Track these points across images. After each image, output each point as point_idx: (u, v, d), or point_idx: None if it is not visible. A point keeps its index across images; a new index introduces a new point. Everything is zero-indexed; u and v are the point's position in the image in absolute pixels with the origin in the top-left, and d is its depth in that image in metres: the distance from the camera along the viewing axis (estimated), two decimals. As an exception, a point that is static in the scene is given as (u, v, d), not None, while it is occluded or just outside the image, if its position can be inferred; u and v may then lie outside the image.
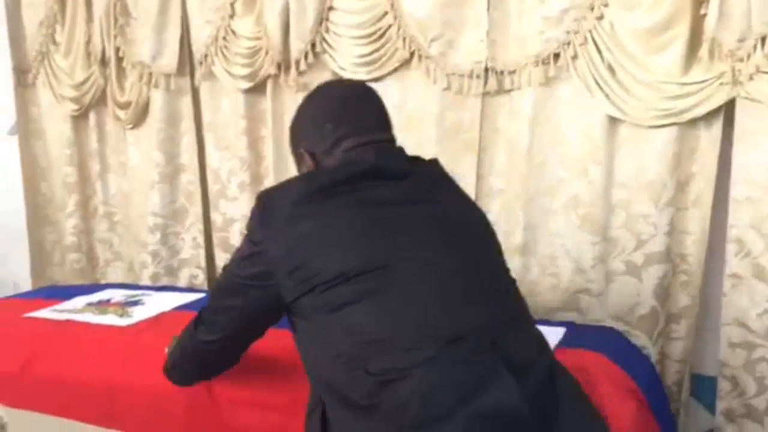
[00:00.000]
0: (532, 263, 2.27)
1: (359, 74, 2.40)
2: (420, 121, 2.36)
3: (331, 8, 2.42)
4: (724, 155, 2.01)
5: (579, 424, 1.27)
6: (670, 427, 1.90)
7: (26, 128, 3.16)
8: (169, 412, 1.73)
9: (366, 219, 1.31)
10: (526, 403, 1.18)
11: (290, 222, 1.31)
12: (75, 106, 2.98)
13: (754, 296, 1.99)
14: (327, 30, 2.44)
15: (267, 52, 2.53)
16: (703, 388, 2.19)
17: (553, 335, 1.91)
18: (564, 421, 1.23)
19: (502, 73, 2.22)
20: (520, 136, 2.22)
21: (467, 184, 2.31)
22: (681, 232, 2.10)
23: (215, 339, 1.47)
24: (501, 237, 2.26)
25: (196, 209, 2.84)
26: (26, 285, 3.18)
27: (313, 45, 2.46)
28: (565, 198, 2.20)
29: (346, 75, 2.41)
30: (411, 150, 2.10)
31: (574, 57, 2.10)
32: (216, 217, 2.78)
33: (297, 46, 2.47)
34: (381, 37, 2.36)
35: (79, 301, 2.27)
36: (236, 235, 2.71)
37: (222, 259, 2.76)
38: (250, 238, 1.37)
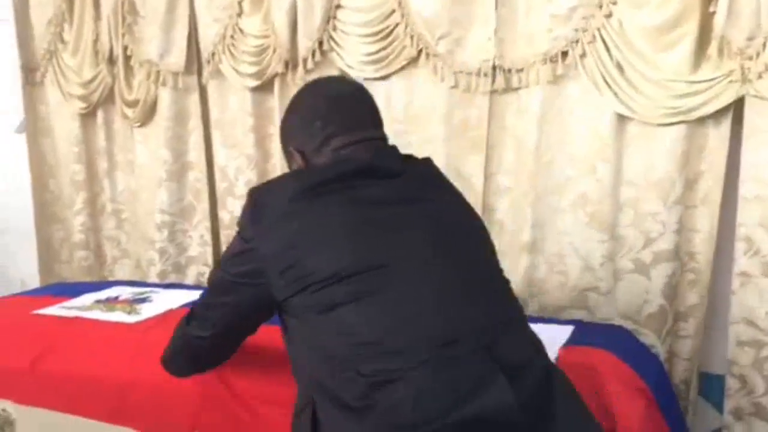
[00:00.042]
0: (540, 261, 2.27)
1: (366, 72, 2.40)
2: (427, 120, 2.36)
3: (338, 6, 2.42)
4: (733, 153, 2.00)
5: (573, 425, 1.27)
6: (679, 426, 1.89)
7: (34, 126, 3.17)
8: (178, 409, 1.74)
9: (359, 218, 1.31)
10: (520, 406, 1.18)
11: (282, 219, 1.30)
12: (83, 104, 2.99)
13: (763, 294, 1.98)
14: (334, 28, 2.44)
15: (274, 50, 2.53)
16: (711, 387, 2.19)
17: (561, 333, 1.91)
18: (558, 422, 1.23)
19: (510, 71, 2.22)
20: (528, 134, 2.22)
21: (475, 183, 2.32)
22: (689, 231, 2.09)
23: (206, 335, 1.47)
24: (509, 235, 2.31)
25: (204, 207, 2.85)
26: (34, 282, 3.19)
27: (321, 43, 2.46)
28: (573, 196, 2.20)
29: (354, 73, 2.41)
30: (418, 148, 2.11)
31: (583, 55, 2.10)
32: (223, 215, 2.79)
33: (304, 44, 2.47)
34: (388, 35, 2.36)
35: (88, 299, 2.28)
36: (243, 233, 2.70)
37: (229, 256, 2.76)
38: (241, 235, 1.36)
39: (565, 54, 2.13)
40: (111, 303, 2.23)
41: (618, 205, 2.14)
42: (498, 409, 1.17)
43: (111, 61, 2.89)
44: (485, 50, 2.22)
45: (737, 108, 1.97)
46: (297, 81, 2.49)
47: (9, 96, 3.20)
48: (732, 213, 2.02)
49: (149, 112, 2.86)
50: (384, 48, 2.36)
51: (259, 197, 1.36)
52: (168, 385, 1.71)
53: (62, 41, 3.02)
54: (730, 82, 1.92)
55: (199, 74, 2.77)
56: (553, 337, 1.85)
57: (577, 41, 2.10)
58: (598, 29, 2.06)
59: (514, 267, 2.28)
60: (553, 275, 2.26)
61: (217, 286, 1.45)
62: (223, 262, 1.43)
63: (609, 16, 2.05)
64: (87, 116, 3.04)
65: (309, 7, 2.43)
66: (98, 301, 2.25)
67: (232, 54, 2.63)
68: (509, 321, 1.33)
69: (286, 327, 1.35)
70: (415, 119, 2.38)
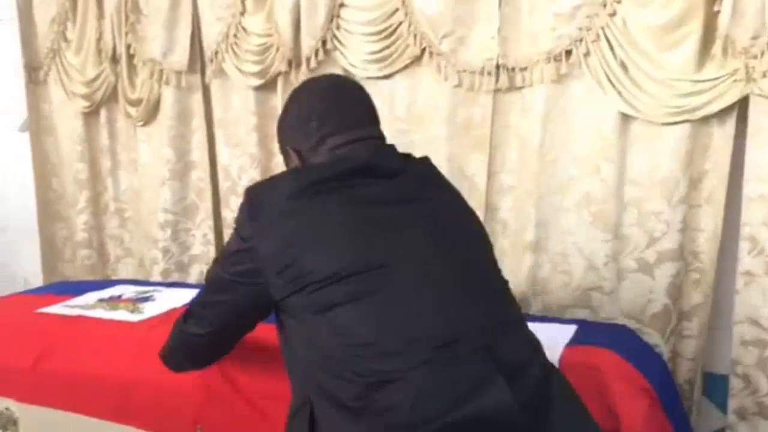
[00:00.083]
0: (543, 261, 2.26)
1: (370, 71, 2.40)
2: (431, 118, 2.36)
3: (341, 5, 2.42)
4: (737, 152, 2.00)
5: (572, 426, 1.27)
6: (683, 426, 1.89)
7: (38, 125, 3.17)
8: (181, 407, 1.74)
9: (358, 217, 1.30)
10: (519, 406, 1.17)
11: (280, 218, 1.29)
12: (86, 103, 2.99)
13: (767, 294, 1.98)
14: (338, 27, 2.43)
15: (278, 49, 2.53)
16: (715, 387, 2.18)
17: (564, 333, 1.91)
18: (556, 423, 1.23)
19: (513, 69, 2.22)
20: (532, 133, 2.22)
21: (478, 182, 2.31)
22: (693, 230, 2.08)
23: (203, 333, 1.46)
24: (512, 235, 2.31)
25: (207, 206, 2.85)
26: (37, 280, 3.19)
27: (324, 42, 2.46)
28: (577, 195, 2.19)
29: (357, 72, 2.41)
30: (421, 147, 2.11)
31: (587, 54, 2.09)
32: (226, 214, 2.78)
33: (308, 43, 2.47)
34: (392, 34, 2.35)
35: (91, 297, 2.28)
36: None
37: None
38: (238, 233, 1.36)
39: (568, 53, 2.12)
40: (114, 302, 2.23)
41: (622, 205, 2.14)
42: (497, 409, 1.17)
43: (114, 59, 2.89)
44: (489, 49, 2.22)
45: (741, 107, 1.97)
46: (300, 80, 2.48)
47: (12, 95, 3.20)
48: (736, 212, 2.01)
49: (152, 111, 2.85)
50: (387, 47, 2.36)
51: (257, 196, 1.35)
52: (171, 384, 1.72)
53: (65, 40, 3.02)
54: (735, 81, 1.91)
55: (202, 73, 2.76)
56: (556, 337, 1.85)
57: (581, 40, 2.09)
58: (602, 28, 2.06)
59: (517, 266, 2.28)
60: (557, 274, 2.26)
61: (214, 285, 1.44)
62: (220, 261, 1.43)
63: (613, 14, 2.04)
64: (90, 115, 3.04)
65: (312, 6, 2.43)
66: (101, 300, 2.25)
67: (235, 53, 2.63)
68: (508, 321, 1.32)
69: (283, 326, 1.34)
70: (419, 118, 2.38)
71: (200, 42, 2.73)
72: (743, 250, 1.99)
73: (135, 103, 2.87)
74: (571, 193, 2.21)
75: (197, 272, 2.88)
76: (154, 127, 2.88)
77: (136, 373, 1.80)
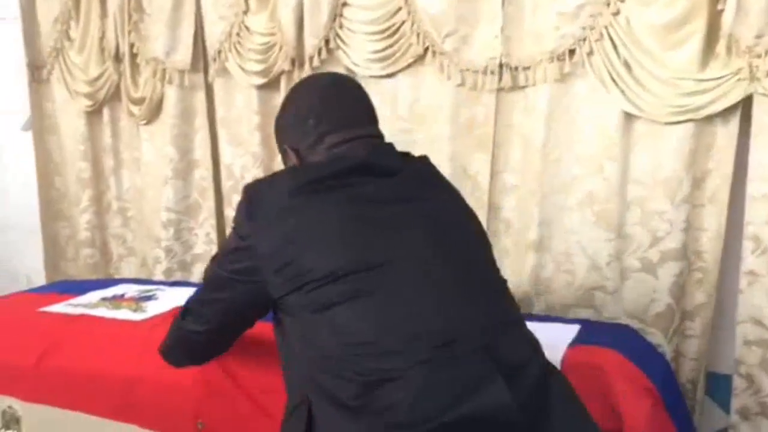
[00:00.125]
0: (546, 260, 2.26)
1: (373, 70, 2.40)
2: (434, 118, 2.36)
3: (344, 4, 2.42)
4: (741, 152, 1.99)
5: (571, 426, 1.27)
6: (686, 425, 1.89)
7: (41, 124, 3.17)
8: (182, 406, 1.74)
9: (357, 216, 1.30)
10: (518, 406, 1.17)
11: (279, 216, 1.29)
12: (89, 102, 2.99)
13: (771, 294, 1.98)
14: (341, 26, 2.43)
15: (281, 48, 2.53)
16: (718, 386, 2.18)
17: (567, 332, 1.91)
18: (556, 423, 1.23)
19: (516, 69, 2.21)
20: (535, 132, 2.21)
21: (481, 181, 2.31)
22: (697, 230, 2.08)
23: (201, 330, 1.46)
24: (515, 234, 2.31)
25: (210, 205, 2.84)
26: (40, 279, 3.19)
27: (327, 41, 2.45)
28: (581, 195, 2.19)
29: (360, 71, 2.41)
30: (424, 147, 2.11)
31: (590, 53, 2.09)
32: (229, 213, 2.78)
33: (311, 42, 2.47)
34: (395, 32, 2.35)
35: (94, 296, 2.28)
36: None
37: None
38: (237, 231, 1.36)
39: (572, 52, 2.12)
40: (117, 301, 2.23)
41: (625, 204, 2.14)
42: (496, 408, 1.17)
43: (117, 58, 2.90)
44: (492, 48, 2.22)
45: (745, 106, 1.96)
46: (303, 79, 2.49)
47: (15, 94, 3.20)
48: (740, 212, 2.01)
49: (155, 110, 2.85)
50: (390, 46, 2.36)
51: (255, 194, 1.35)
52: (173, 382, 1.72)
53: (69, 39, 3.02)
54: (739, 80, 1.91)
55: (206, 72, 2.76)
56: (559, 337, 1.85)
57: (584, 39, 2.09)
58: (606, 27, 2.05)
59: (520, 265, 2.28)
60: (560, 274, 2.25)
61: (212, 282, 1.44)
62: (218, 259, 1.43)
63: (616, 13, 2.04)
64: (93, 114, 3.04)
65: (315, 5, 2.43)
66: (104, 299, 2.25)
67: (238, 52, 2.63)
68: (508, 321, 1.32)
69: (281, 325, 1.34)
70: (422, 117, 2.38)
71: (203, 41, 2.73)
72: (746, 250, 1.99)
73: (138, 101, 2.87)
74: (574, 193, 2.20)
75: (200, 271, 2.88)
76: (157, 126, 2.88)
77: (138, 371, 1.80)
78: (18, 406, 1.92)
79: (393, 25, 2.34)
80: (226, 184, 2.79)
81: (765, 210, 1.96)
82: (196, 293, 1.50)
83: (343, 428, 1.21)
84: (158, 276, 2.90)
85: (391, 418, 1.16)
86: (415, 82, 2.38)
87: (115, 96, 2.96)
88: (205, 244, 2.87)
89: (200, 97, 2.79)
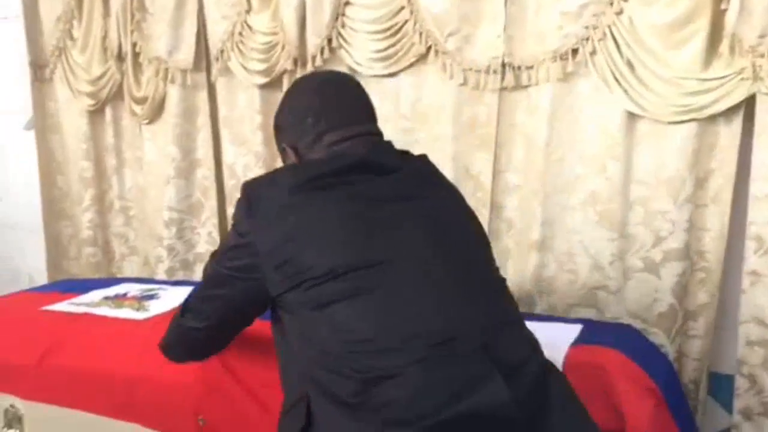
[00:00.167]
0: (549, 260, 2.26)
1: (375, 69, 2.40)
2: (436, 117, 2.35)
3: (347, 3, 2.42)
4: (744, 151, 1.99)
5: (571, 425, 1.27)
6: (688, 425, 1.88)
7: (43, 123, 3.18)
8: (184, 405, 1.74)
9: (357, 214, 1.30)
10: (516, 404, 1.17)
11: (278, 214, 1.29)
12: (91, 101, 3.00)
13: (773, 294, 1.97)
14: (343, 25, 2.43)
15: (283, 48, 2.53)
16: (720, 387, 2.17)
17: (569, 332, 1.91)
18: (555, 422, 1.23)
19: (519, 68, 2.21)
20: (538, 131, 2.21)
21: (483, 180, 2.31)
22: (700, 229, 2.08)
23: (201, 327, 1.47)
24: (518, 233, 2.30)
25: (212, 204, 2.85)
26: (42, 278, 3.20)
27: (330, 40, 2.45)
28: (583, 194, 2.19)
29: (362, 70, 2.41)
30: (426, 146, 2.11)
31: (593, 52, 2.09)
32: (231, 212, 2.77)
33: (313, 42, 2.47)
34: (397, 32, 2.35)
35: (96, 295, 2.28)
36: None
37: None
38: (236, 229, 1.36)
39: (575, 51, 2.11)
40: (119, 300, 2.23)
41: (628, 204, 2.13)
42: (494, 406, 1.17)
43: (120, 58, 2.90)
44: (495, 47, 2.21)
45: (748, 106, 1.96)
46: (306, 78, 2.49)
47: (18, 93, 3.21)
48: (743, 211, 2.00)
49: (158, 109, 2.86)
50: (393, 45, 2.36)
51: (254, 191, 1.35)
52: (175, 381, 1.72)
53: (71, 38, 3.03)
54: (742, 79, 1.90)
55: (208, 71, 2.77)
56: (561, 336, 1.85)
57: (587, 39, 2.09)
58: (609, 27, 2.05)
59: (523, 265, 2.28)
60: (563, 273, 2.25)
61: (211, 279, 1.44)
62: (218, 256, 1.43)
63: (619, 13, 2.04)
64: (95, 113, 3.04)
65: (318, 4, 2.43)
66: (106, 298, 2.25)
67: (240, 51, 2.63)
68: (507, 321, 1.32)
69: (280, 322, 1.34)
70: (424, 116, 2.38)
71: (206, 40, 2.73)
72: (749, 250, 1.98)
73: (140, 101, 2.87)
74: (577, 192, 2.20)
75: (202, 270, 2.88)
76: (159, 125, 2.88)
77: (140, 370, 1.80)
78: (20, 404, 1.93)
79: (395, 24, 2.34)
80: (228, 183, 2.79)
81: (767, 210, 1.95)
82: (196, 290, 1.50)
83: (341, 425, 1.21)
84: (160, 275, 2.90)
85: (389, 415, 1.17)
86: (417, 82, 2.38)
87: (117, 95, 2.96)
88: (207, 244, 2.87)
89: (203, 96, 2.79)
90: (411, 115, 2.39)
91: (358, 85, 1.51)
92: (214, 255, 1.47)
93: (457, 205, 1.46)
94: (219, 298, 1.42)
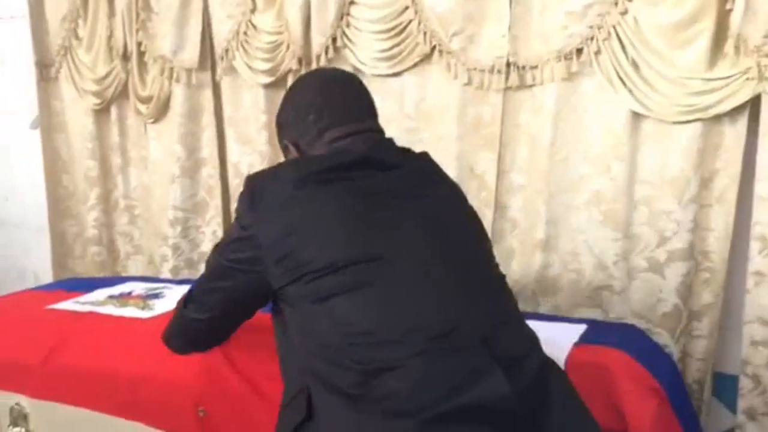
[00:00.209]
0: (553, 259, 2.26)
1: (379, 69, 2.40)
2: (440, 117, 2.35)
3: (352, 2, 2.42)
4: (749, 151, 1.98)
5: (571, 422, 1.27)
6: (692, 426, 1.88)
7: (49, 122, 3.19)
8: (188, 404, 1.74)
9: (358, 210, 1.31)
10: (516, 398, 1.18)
11: (281, 207, 1.31)
12: (97, 100, 3.00)
13: (778, 294, 1.97)
14: (348, 24, 2.43)
15: (288, 47, 2.53)
16: (725, 387, 2.17)
17: (573, 332, 1.90)
18: (555, 420, 1.23)
19: (523, 68, 2.21)
20: (542, 131, 2.21)
21: (488, 180, 2.31)
22: (704, 229, 2.07)
23: (203, 318, 1.49)
24: (522, 233, 2.30)
25: (216, 203, 2.86)
26: (47, 277, 3.21)
27: (334, 39, 2.46)
28: (588, 194, 2.18)
29: (366, 69, 2.41)
30: (431, 146, 2.11)
31: (598, 52, 2.08)
32: (236, 210, 2.79)
33: (318, 41, 2.47)
34: (402, 31, 2.35)
35: (101, 294, 2.29)
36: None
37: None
38: (239, 222, 1.37)
39: (579, 51, 2.11)
40: (124, 298, 2.24)
41: (632, 204, 2.13)
42: (494, 398, 1.18)
43: (125, 57, 2.91)
44: (499, 47, 2.21)
45: (753, 106, 1.95)
46: (310, 78, 2.49)
47: (24, 92, 3.22)
48: (747, 212, 2.00)
49: (162, 109, 2.86)
50: (397, 45, 2.36)
51: (257, 185, 1.36)
52: (180, 380, 1.72)
53: (77, 37, 3.03)
54: (747, 79, 1.90)
55: (213, 71, 2.77)
56: (565, 336, 1.85)
57: (592, 38, 2.08)
58: (614, 26, 2.05)
59: (527, 265, 2.28)
60: (567, 273, 2.25)
61: (214, 271, 1.46)
62: (220, 248, 1.44)
63: (624, 13, 2.03)
64: (101, 112, 3.05)
65: (322, 4, 2.43)
66: (111, 297, 2.26)
67: (245, 50, 2.63)
68: (504, 316, 1.33)
69: (281, 315, 1.35)
70: (428, 116, 2.38)
71: (211, 39, 2.74)
72: (754, 250, 1.98)
73: (145, 100, 2.88)
74: (581, 192, 2.20)
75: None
76: (164, 125, 2.89)
77: (144, 369, 1.80)
78: (25, 402, 1.93)
79: (400, 23, 2.34)
80: (233, 182, 2.79)
81: (773, 210, 1.95)
82: (198, 282, 1.52)
83: (342, 416, 1.22)
84: (165, 274, 2.91)
85: (389, 406, 1.17)
86: (421, 81, 2.38)
87: (122, 94, 2.97)
88: (211, 242, 2.87)
89: (207, 95, 2.80)
90: (415, 115, 2.39)
91: (359, 83, 1.52)
92: (216, 247, 1.48)
93: (458, 203, 1.47)
94: (221, 290, 1.43)
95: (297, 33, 2.48)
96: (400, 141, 1.48)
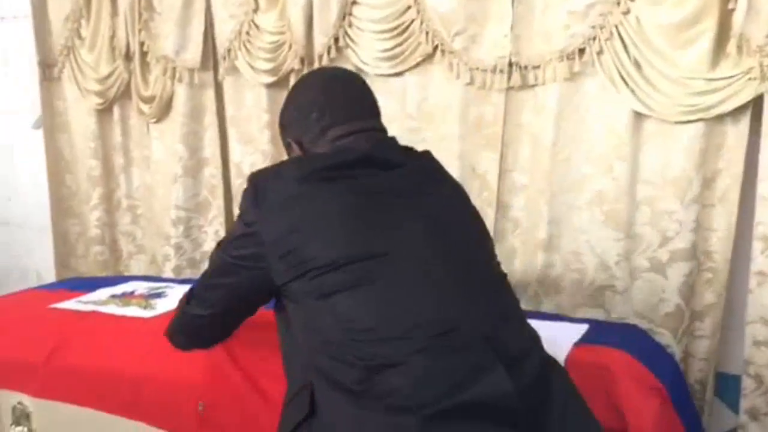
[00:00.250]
0: (556, 259, 2.26)
1: (381, 69, 2.40)
2: (442, 116, 2.35)
3: (354, 2, 2.42)
4: (751, 151, 1.98)
5: (572, 421, 1.27)
6: (694, 426, 1.88)
7: (51, 122, 3.19)
8: (189, 404, 1.74)
9: (360, 207, 1.32)
10: (518, 394, 1.18)
11: (284, 204, 1.31)
12: (99, 100, 3.00)
13: (780, 294, 1.97)
14: (350, 24, 2.44)
15: (290, 47, 2.53)
16: (727, 387, 2.17)
17: (574, 331, 1.90)
18: (556, 418, 1.24)
19: (526, 68, 2.21)
20: (545, 131, 2.21)
21: (490, 180, 2.31)
22: (706, 230, 2.07)
23: (205, 314, 1.51)
24: (524, 233, 2.30)
25: (219, 203, 2.86)
26: (50, 276, 3.21)
27: (336, 39, 2.46)
28: (590, 194, 2.18)
29: (369, 69, 2.41)
30: (433, 145, 2.11)
31: (600, 52, 2.08)
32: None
33: (320, 41, 2.47)
34: (404, 31, 2.35)
35: (103, 293, 2.29)
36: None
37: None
38: (243, 218, 1.38)
39: (582, 51, 2.11)
40: (126, 298, 2.24)
41: (635, 204, 2.13)
42: (496, 395, 1.18)
43: (127, 57, 2.91)
44: (501, 47, 2.21)
45: (756, 105, 1.95)
46: (312, 77, 2.49)
47: (26, 92, 3.22)
48: (750, 212, 2.00)
49: (165, 108, 2.86)
50: (399, 44, 2.36)
51: (261, 182, 1.37)
52: (182, 380, 1.72)
53: (79, 37, 3.03)
54: (749, 79, 1.90)
55: (215, 70, 2.77)
56: (566, 335, 1.85)
57: (594, 38, 2.08)
58: (616, 26, 2.05)
59: (529, 264, 2.28)
60: (569, 273, 2.25)
61: (217, 268, 1.47)
62: (224, 245, 1.45)
63: (627, 12, 2.03)
64: (103, 112, 3.05)
65: (325, 3, 2.44)
66: (114, 296, 2.26)
67: (247, 50, 2.64)
68: (505, 314, 1.34)
69: (285, 311, 1.36)
70: (430, 116, 2.38)
71: (213, 39, 2.74)
72: (756, 250, 1.98)
73: (148, 100, 2.88)
74: (583, 192, 2.20)
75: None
76: (166, 124, 2.89)
77: (148, 369, 1.80)
78: (28, 402, 1.93)
79: (402, 23, 2.34)
80: (235, 182, 2.80)
81: (775, 210, 1.95)
82: (201, 278, 1.53)
83: (345, 412, 1.23)
84: (168, 273, 2.91)
85: (391, 403, 1.18)
86: (423, 81, 2.38)
87: (125, 94, 2.97)
88: (214, 242, 2.86)
89: (210, 95, 2.80)
90: (417, 115, 2.39)
91: (362, 82, 1.53)
92: (220, 244, 1.49)
93: (460, 203, 1.48)
94: (224, 286, 1.45)
95: (299, 33, 2.49)
96: (402, 141, 1.49)
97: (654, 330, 2.13)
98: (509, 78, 2.23)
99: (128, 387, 1.81)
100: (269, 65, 2.59)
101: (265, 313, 1.50)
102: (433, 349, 1.20)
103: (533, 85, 2.22)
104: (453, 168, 2.15)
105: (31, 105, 3.20)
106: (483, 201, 2.28)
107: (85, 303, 2.17)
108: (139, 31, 2.84)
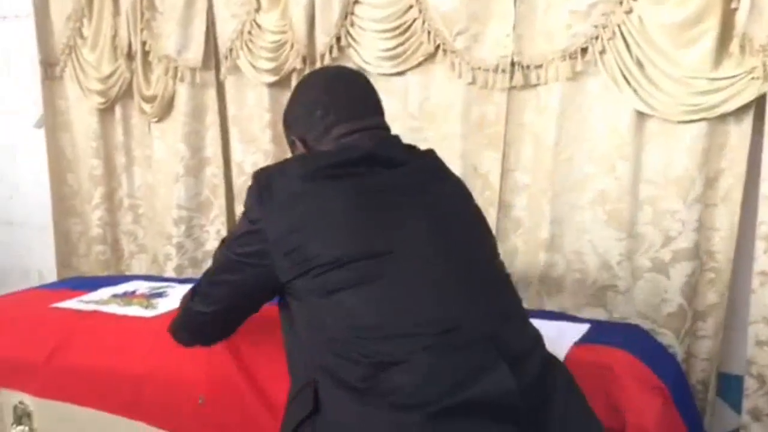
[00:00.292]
0: (558, 259, 2.25)
1: (384, 68, 2.40)
2: (444, 116, 2.35)
3: (356, 2, 2.42)
4: (754, 151, 1.98)
5: (574, 419, 1.28)
6: (697, 426, 1.88)
7: (53, 121, 3.19)
8: (192, 404, 1.74)
9: (364, 205, 1.32)
10: (521, 392, 1.19)
11: (288, 202, 1.32)
12: (101, 100, 3.00)
13: (783, 294, 1.96)
14: (352, 24, 2.43)
15: (292, 46, 2.53)
16: (729, 387, 2.17)
17: (575, 331, 1.90)
18: (557, 416, 1.24)
19: (528, 67, 2.20)
20: (547, 131, 2.21)
21: (492, 180, 2.31)
22: (709, 229, 2.07)
23: (208, 311, 1.50)
24: (526, 233, 2.30)
25: (221, 202, 2.86)
26: (51, 275, 3.21)
27: (338, 39, 2.46)
28: (592, 194, 2.18)
29: (371, 69, 2.41)
30: (435, 145, 2.10)
31: (602, 51, 2.08)
32: (240, 210, 2.78)
33: (322, 40, 2.47)
34: (406, 30, 2.35)
35: (105, 293, 2.29)
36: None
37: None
38: (247, 216, 1.38)
39: (584, 50, 2.11)
40: (128, 297, 2.24)
41: (637, 203, 2.13)
42: (500, 394, 1.19)
43: (129, 56, 2.91)
44: (503, 46, 2.21)
45: (759, 105, 1.95)
46: (314, 77, 2.49)
47: (28, 91, 3.22)
48: (753, 211, 2.00)
49: (167, 108, 2.86)
50: (401, 44, 2.36)
51: (266, 179, 1.37)
52: (183, 379, 1.72)
53: (81, 36, 3.03)
54: (752, 79, 1.89)
55: (217, 70, 2.77)
56: (566, 335, 1.84)
57: (596, 37, 2.08)
58: (618, 25, 2.04)
59: (531, 264, 2.28)
60: (571, 273, 2.25)
61: (221, 265, 1.47)
62: (228, 242, 1.45)
63: (629, 12, 2.03)
64: (105, 111, 3.05)
65: (327, 3, 2.43)
66: (115, 296, 2.26)
67: (249, 50, 2.64)
68: (507, 313, 1.35)
69: (288, 309, 1.36)
70: (432, 115, 2.37)
71: (215, 39, 2.74)
72: (759, 250, 1.98)
73: (150, 99, 2.88)
74: (586, 191, 2.20)
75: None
76: (168, 124, 2.89)
77: (149, 368, 1.80)
78: (29, 401, 1.93)
79: (404, 23, 2.34)
80: (237, 181, 2.80)
81: (778, 210, 1.94)
82: (205, 275, 1.53)
83: (349, 409, 1.23)
84: (169, 273, 2.91)
85: (395, 400, 1.18)
86: (425, 80, 2.38)
87: (127, 93, 2.97)
88: (216, 241, 2.87)
89: (211, 94, 2.80)
90: (419, 114, 2.39)
91: (366, 81, 1.54)
92: (224, 241, 1.50)
93: (463, 201, 1.48)
94: (228, 283, 1.45)
95: (301, 32, 2.48)
96: (404, 140, 1.49)
97: (656, 330, 2.13)
98: (511, 77, 2.22)
99: (129, 387, 1.81)
100: (271, 65, 2.59)
101: (269, 308, 1.49)
102: (437, 348, 1.21)
103: (535, 85, 2.22)
104: (455, 167, 2.13)
105: (33, 104, 3.21)
106: (485, 200, 2.28)
107: (87, 302, 2.17)
108: (141, 30, 2.84)
